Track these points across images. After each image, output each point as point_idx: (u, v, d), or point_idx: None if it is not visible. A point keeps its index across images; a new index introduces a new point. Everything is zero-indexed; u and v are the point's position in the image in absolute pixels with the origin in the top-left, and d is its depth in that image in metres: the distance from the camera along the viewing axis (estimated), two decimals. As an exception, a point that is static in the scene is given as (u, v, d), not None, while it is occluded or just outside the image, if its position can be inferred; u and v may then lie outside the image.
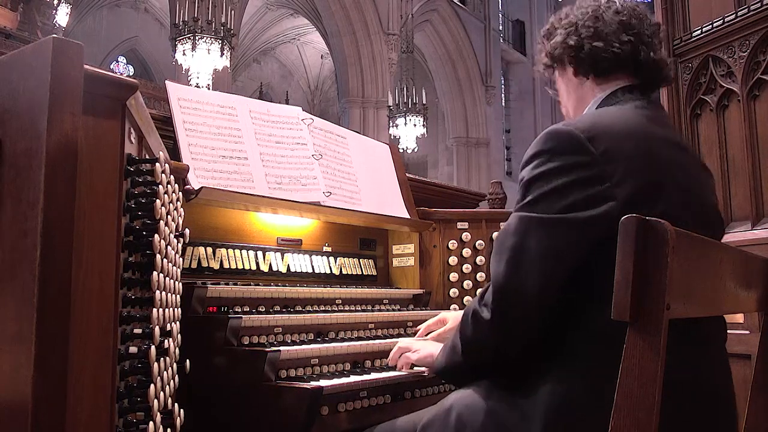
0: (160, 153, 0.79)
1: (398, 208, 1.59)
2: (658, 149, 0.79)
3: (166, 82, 1.31)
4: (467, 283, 1.55)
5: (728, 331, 0.81)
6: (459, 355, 0.82)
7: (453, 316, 1.15)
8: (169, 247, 0.81)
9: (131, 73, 11.95)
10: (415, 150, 9.88)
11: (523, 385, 0.75)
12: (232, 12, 7.32)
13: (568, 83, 0.94)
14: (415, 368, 1.09)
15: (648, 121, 0.82)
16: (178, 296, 0.89)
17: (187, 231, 0.93)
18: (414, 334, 1.26)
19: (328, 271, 1.42)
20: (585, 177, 0.73)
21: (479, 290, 0.87)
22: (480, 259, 1.56)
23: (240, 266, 1.25)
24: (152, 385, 0.68)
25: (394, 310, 1.41)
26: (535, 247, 0.74)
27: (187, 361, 0.89)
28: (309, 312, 1.23)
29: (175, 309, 0.87)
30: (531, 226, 0.75)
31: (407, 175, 1.70)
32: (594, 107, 0.89)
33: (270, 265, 1.31)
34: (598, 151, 0.73)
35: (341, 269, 1.45)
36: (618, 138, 0.76)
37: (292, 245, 1.37)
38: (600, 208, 0.72)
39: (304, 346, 1.06)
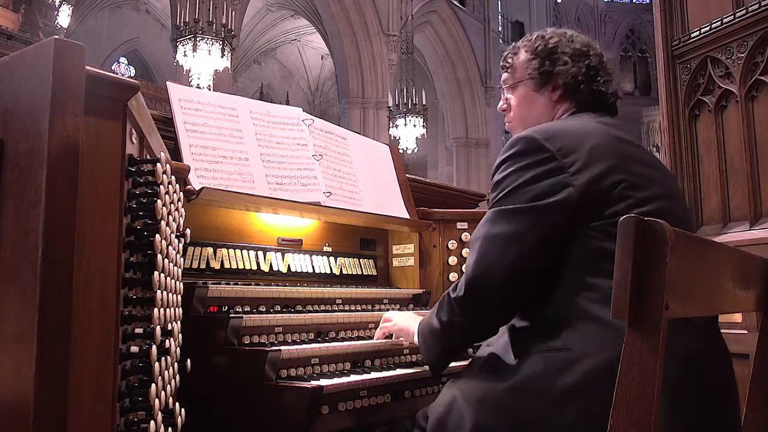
0: (161, 153, 0.79)
1: (398, 209, 1.59)
2: (618, 145, 0.87)
3: (167, 82, 1.32)
4: (467, 284, 1.56)
5: (726, 331, 0.82)
6: (436, 335, 0.92)
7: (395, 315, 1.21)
8: (170, 247, 0.81)
9: (132, 74, 11.97)
10: (415, 150, 9.89)
11: (510, 367, 0.83)
12: (233, 13, 7.34)
13: (539, 101, 1.01)
14: (392, 338, 1.17)
15: (607, 126, 0.91)
16: (179, 296, 0.89)
17: (188, 231, 0.94)
18: None
19: (329, 271, 1.43)
20: (545, 170, 0.82)
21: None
22: (480, 260, 1.56)
23: (241, 266, 1.25)
24: (153, 385, 0.68)
25: (394, 309, 1.41)
26: (499, 235, 0.83)
27: (188, 360, 0.89)
28: (309, 312, 1.23)
29: (176, 308, 0.87)
30: (497, 217, 0.85)
31: (407, 175, 1.70)
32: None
33: (270, 265, 1.31)
34: (555, 147, 0.83)
35: (341, 269, 1.45)
36: (575, 137, 0.85)
37: (293, 245, 1.37)
38: (558, 195, 0.81)
39: (304, 346, 1.06)
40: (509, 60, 1.04)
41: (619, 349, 0.71)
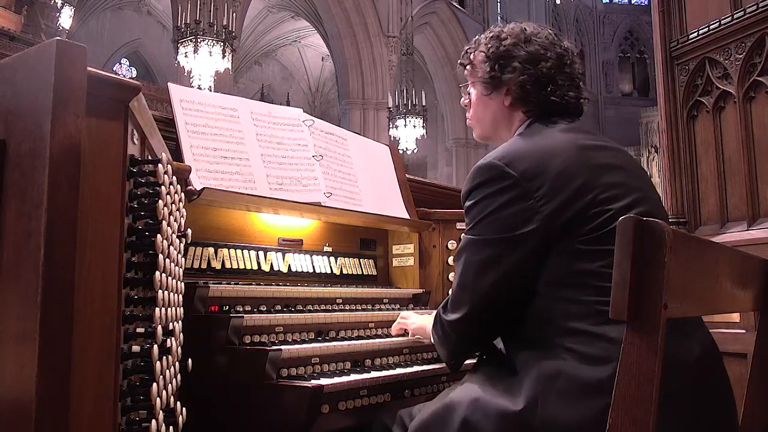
0: (163, 154, 0.79)
1: (398, 209, 1.59)
2: (586, 157, 0.85)
3: (169, 83, 1.32)
4: (467, 284, 1.56)
5: (724, 331, 0.82)
6: (438, 342, 0.95)
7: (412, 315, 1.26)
8: (171, 247, 0.81)
9: (134, 75, 11.98)
10: (415, 151, 9.90)
11: (504, 372, 0.85)
12: (234, 15, 7.35)
13: (492, 105, 0.98)
14: (409, 336, 1.22)
15: (572, 134, 0.89)
16: (180, 296, 0.90)
17: (189, 231, 0.94)
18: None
19: (329, 271, 1.43)
20: (511, 197, 0.82)
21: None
22: (479, 260, 1.57)
23: (242, 266, 1.26)
24: (154, 384, 0.68)
25: (393, 309, 1.41)
26: (474, 263, 0.85)
27: (189, 359, 0.89)
28: (310, 311, 1.23)
29: (178, 308, 0.88)
30: (472, 246, 0.86)
31: (407, 175, 1.70)
32: (516, 132, 0.95)
33: (271, 264, 1.31)
34: (518, 171, 0.82)
35: (342, 269, 1.46)
36: (539, 157, 0.84)
37: (293, 245, 1.37)
38: (527, 226, 0.81)
39: (305, 345, 1.07)
40: (469, 56, 1.00)
41: (607, 362, 0.71)
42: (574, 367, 0.76)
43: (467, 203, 0.87)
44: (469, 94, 1.03)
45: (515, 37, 0.95)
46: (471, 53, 1.01)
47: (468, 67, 1.01)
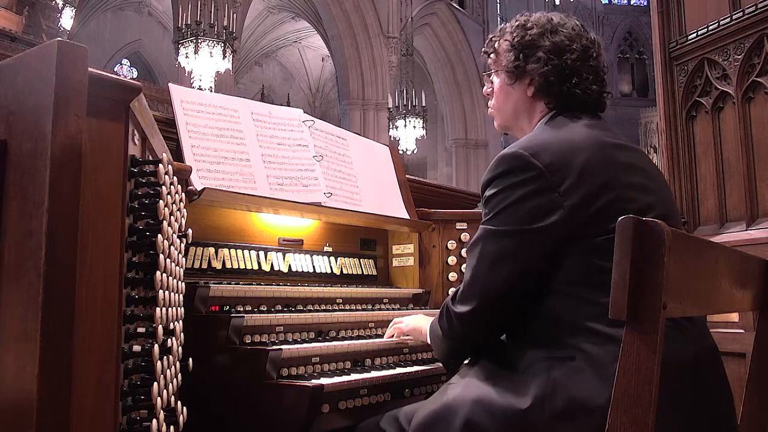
0: (163, 154, 0.80)
1: (398, 209, 1.60)
2: (609, 155, 0.84)
3: (170, 84, 1.33)
4: (467, 284, 1.56)
5: (723, 330, 0.82)
6: (442, 339, 0.93)
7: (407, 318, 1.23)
8: (172, 247, 0.82)
9: (135, 76, 11.98)
10: (415, 151, 9.91)
11: (506, 370, 0.84)
12: (234, 15, 7.37)
13: (514, 94, 0.97)
14: (405, 337, 1.20)
15: (595, 130, 0.88)
16: (181, 295, 0.90)
17: (189, 231, 0.94)
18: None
19: (329, 271, 1.43)
20: (534, 189, 0.81)
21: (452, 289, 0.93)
22: (479, 260, 1.57)
23: (242, 266, 1.26)
24: (155, 383, 0.69)
25: (393, 309, 1.42)
26: (489, 255, 0.83)
27: (190, 359, 0.90)
28: (310, 311, 1.24)
29: (178, 308, 0.88)
30: (489, 236, 0.84)
31: (407, 176, 1.71)
32: (538, 124, 0.94)
33: (272, 264, 1.31)
34: (542, 163, 0.81)
35: (342, 269, 1.46)
36: (564, 150, 0.83)
37: (294, 245, 1.38)
38: (549, 218, 0.79)
39: (305, 345, 1.07)
40: (494, 44, 0.99)
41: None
42: (584, 369, 0.74)
43: (488, 192, 0.84)
44: (492, 82, 1.01)
45: (541, 27, 0.93)
46: (496, 42, 0.99)
47: (492, 55, 1.00)
